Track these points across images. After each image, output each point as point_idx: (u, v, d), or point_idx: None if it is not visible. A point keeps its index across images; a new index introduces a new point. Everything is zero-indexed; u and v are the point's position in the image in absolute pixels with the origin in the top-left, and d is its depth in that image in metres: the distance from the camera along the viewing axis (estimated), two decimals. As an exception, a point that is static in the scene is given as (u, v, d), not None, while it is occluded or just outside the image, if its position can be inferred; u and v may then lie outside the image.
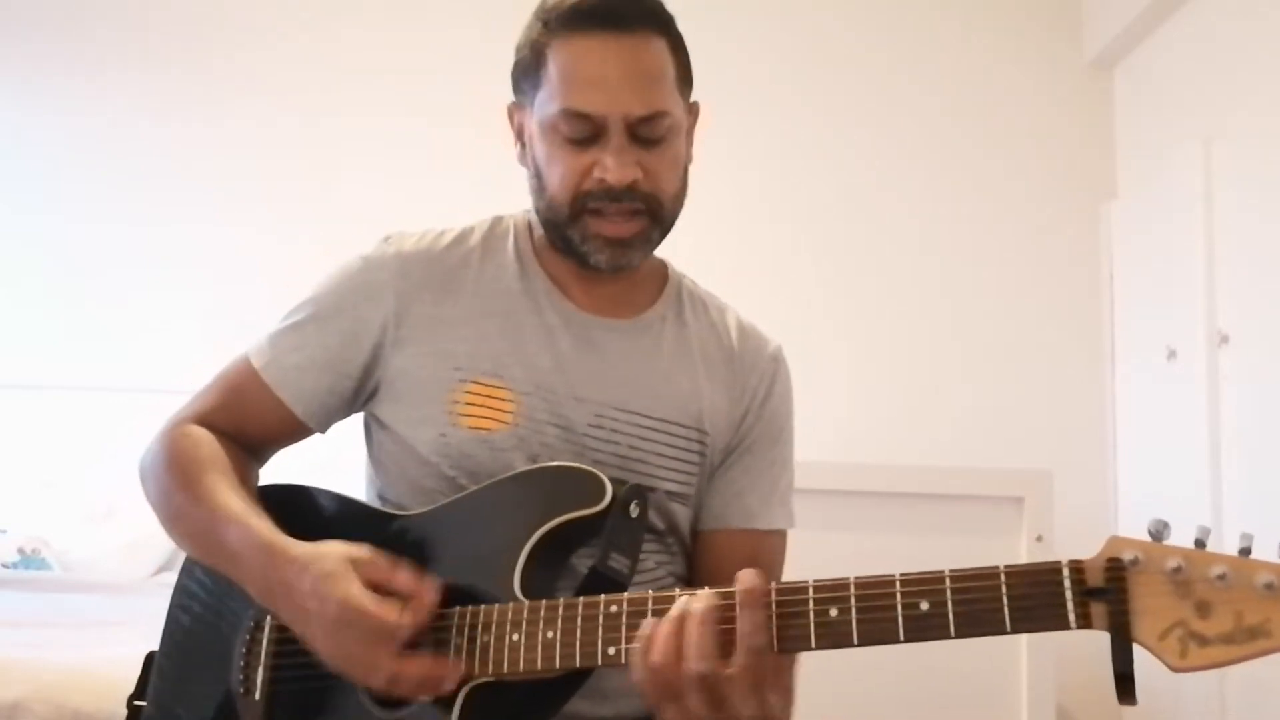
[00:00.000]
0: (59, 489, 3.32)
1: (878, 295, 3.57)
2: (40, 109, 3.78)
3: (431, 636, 1.04)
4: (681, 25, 1.21)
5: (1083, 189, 3.59)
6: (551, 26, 1.17)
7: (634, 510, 1.08)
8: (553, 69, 1.16)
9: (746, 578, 0.93)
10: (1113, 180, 3.59)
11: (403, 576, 1.04)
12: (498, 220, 1.32)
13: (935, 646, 0.90)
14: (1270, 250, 2.71)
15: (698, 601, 0.93)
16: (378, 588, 1.03)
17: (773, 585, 0.93)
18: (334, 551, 1.05)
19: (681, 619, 0.93)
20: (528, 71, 1.20)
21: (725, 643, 0.91)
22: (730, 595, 0.93)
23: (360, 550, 1.06)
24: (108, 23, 3.79)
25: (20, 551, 3.07)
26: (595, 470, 1.09)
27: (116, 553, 3.10)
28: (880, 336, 3.54)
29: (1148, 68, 3.44)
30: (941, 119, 3.63)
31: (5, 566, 3.00)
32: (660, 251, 1.35)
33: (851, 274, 3.58)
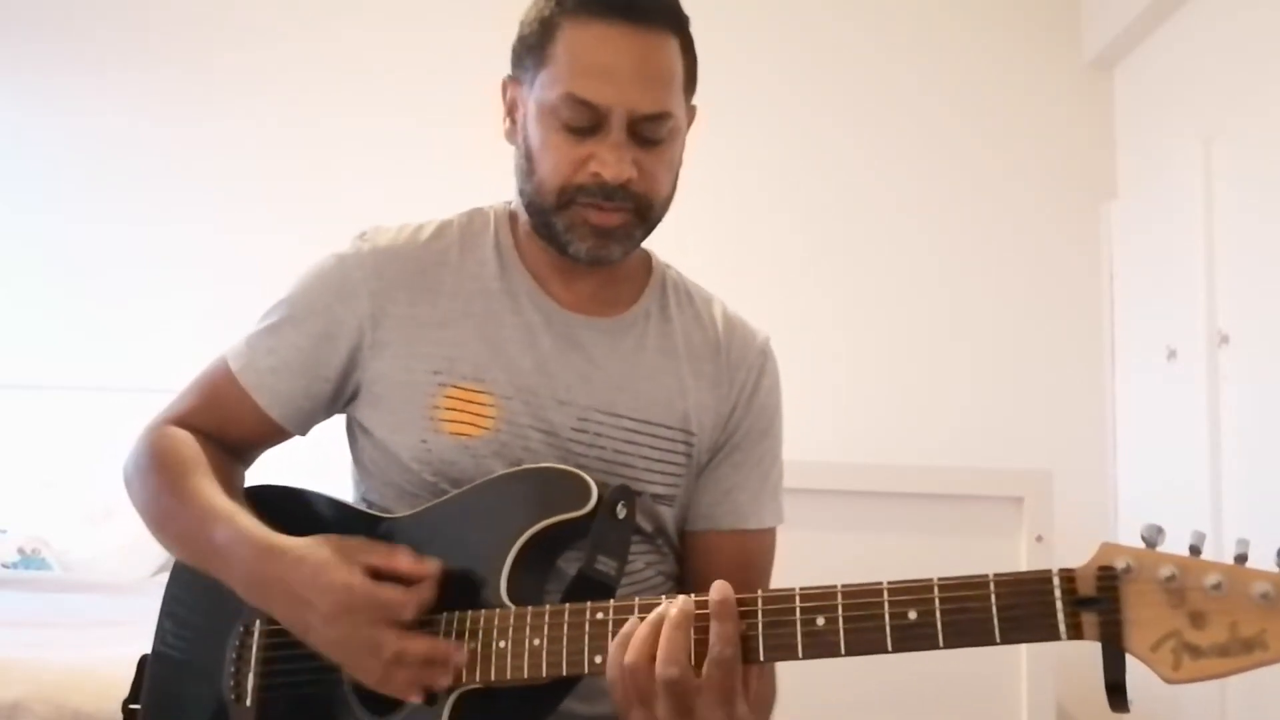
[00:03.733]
0: (59, 489, 3.32)
1: (877, 295, 3.57)
2: (40, 109, 3.77)
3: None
4: (683, 24, 1.19)
5: (1083, 189, 3.58)
6: (567, 6, 1.13)
7: (620, 511, 1.06)
8: (561, 50, 1.12)
9: (719, 588, 0.92)
10: (1113, 180, 3.59)
11: (403, 558, 1.04)
12: (477, 212, 1.28)
13: (935, 645, 0.90)
14: (1270, 250, 2.71)
15: (674, 606, 0.92)
16: (377, 573, 1.03)
17: (759, 594, 0.92)
18: (329, 541, 1.06)
19: (659, 622, 0.92)
20: (532, 48, 1.15)
21: (700, 651, 0.90)
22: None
23: (354, 540, 1.06)
24: (108, 23, 3.78)
25: (20, 551, 3.07)
26: (580, 472, 1.08)
27: (116, 553, 3.09)
28: (879, 336, 3.53)
29: (1147, 68, 3.44)
30: (941, 119, 3.63)
31: (5, 566, 3.00)
32: (659, 251, 1.34)
33: (851, 273, 3.58)
